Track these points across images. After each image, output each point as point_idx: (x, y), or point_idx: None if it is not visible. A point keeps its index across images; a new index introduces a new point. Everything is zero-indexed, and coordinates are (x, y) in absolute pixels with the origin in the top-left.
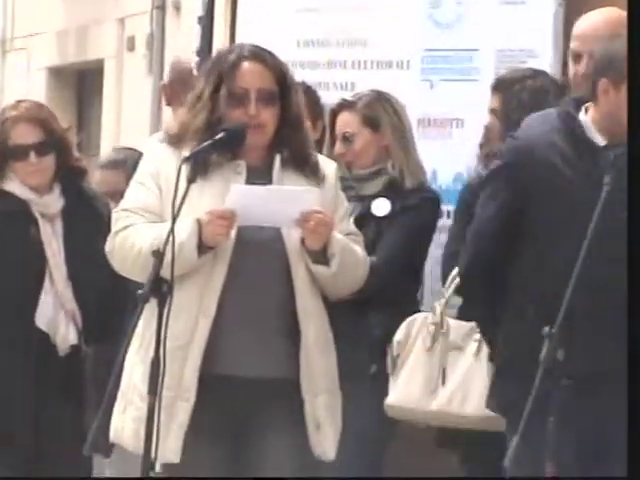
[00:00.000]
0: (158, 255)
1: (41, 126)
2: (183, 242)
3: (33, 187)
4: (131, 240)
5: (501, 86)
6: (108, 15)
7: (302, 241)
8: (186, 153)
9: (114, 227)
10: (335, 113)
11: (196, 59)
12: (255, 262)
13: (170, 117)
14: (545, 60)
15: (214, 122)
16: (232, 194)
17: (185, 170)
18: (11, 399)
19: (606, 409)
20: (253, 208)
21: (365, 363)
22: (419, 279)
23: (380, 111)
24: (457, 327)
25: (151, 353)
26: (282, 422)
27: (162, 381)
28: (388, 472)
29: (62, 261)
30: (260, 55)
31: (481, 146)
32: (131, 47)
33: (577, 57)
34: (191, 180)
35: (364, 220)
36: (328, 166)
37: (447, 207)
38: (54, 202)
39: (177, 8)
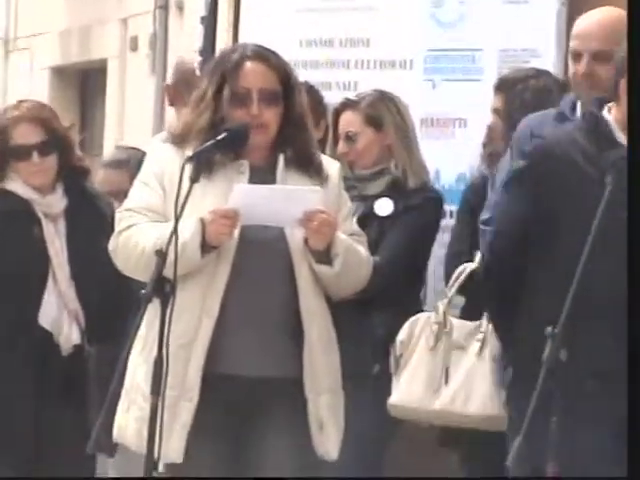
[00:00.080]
0: (161, 255)
1: (43, 126)
2: (186, 241)
3: (36, 187)
4: (135, 239)
5: (504, 86)
6: (111, 15)
7: (305, 241)
8: (189, 153)
9: (118, 227)
10: (338, 112)
11: (199, 59)
12: (258, 262)
13: (173, 117)
14: (548, 60)
15: (217, 122)
16: (235, 193)
17: (188, 170)
18: (13, 399)
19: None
20: (256, 207)
21: (368, 363)
22: (422, 279)
23: (383, 110)
24: (460, 326)
25: (154, 353)
26: (285, 421)
27: (165, 381)
28: (389, 471)
29: (65, 261)
30: (263, 55)
31: (484, 146)
32: (134, 47)
33: (577, 56)
34: (194, 180)
35: (367, 220)
36: (331, 166)
37: (450, 207)
38: (57, 202)
39: (180, 8)
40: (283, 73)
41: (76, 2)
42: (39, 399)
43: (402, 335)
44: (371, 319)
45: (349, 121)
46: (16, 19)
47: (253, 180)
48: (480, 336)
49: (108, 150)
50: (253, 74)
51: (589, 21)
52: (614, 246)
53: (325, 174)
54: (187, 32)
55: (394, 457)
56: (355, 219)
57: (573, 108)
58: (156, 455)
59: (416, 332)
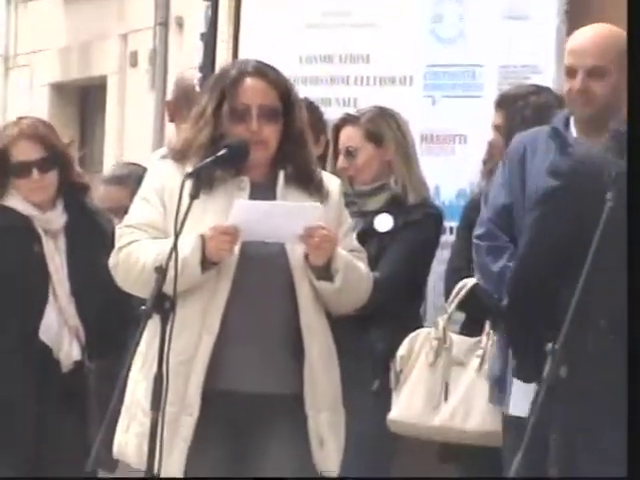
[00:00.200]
0: (161, 271)
1: (42, 142)
2: (187, 258)
3: (36, 203)
4: (135, 256)
5: (505, 102)
6: (111, 31)
7: (306, 257)
8: (190, 169)
9: (118, 243)
10: (338, 128)
11: (199, 75)
12: (259, 278)
13: (173, 133)
14: (548, 76)
15: (217, 138)
16: (236, 209)
17: (188, 186)
18: (13, 416)
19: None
20: (257, 223)
21: (368, 378)
22: (422, 295)
23: (383, 126)
24: (460, 342)
25: (154, 370)
26: (285, 438)
27: (165, 397)
28: None
29: (65, 277)
30: (263, 71)
31: (485, 162)
32: (134, 63)
33: (572, 72)
34: (194, 196)
35: (366, 236)
36: (332, 182)
37: (450, 223)
38: (57, 218)
39: (180, 24)
40: (283, 89)
41: (76, 19)
42: (40, 415)
43: (402, 350)
44: (371, 335)
45: (349, 136)
46: (16, 36)
47: (253, 196)
48: (480, 352)
49: (108, 166)
50: (253, 90)
51: (583, 37)
52: (615, 262)
53: (325, 191)
54: (187, 48)
55: (396, 472)
56: (355, 235)
57: (566, 124)
58: (156, 470)
59: (416, 348)
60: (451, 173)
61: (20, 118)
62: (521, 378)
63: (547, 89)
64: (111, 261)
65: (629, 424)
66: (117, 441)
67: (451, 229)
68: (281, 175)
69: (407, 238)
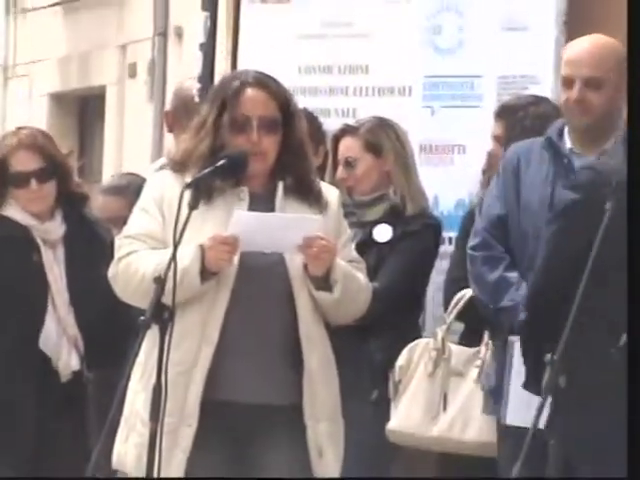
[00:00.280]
0: (160, 281)
1: (41, 153)
2: (186, 268)
3: (34, 213)
4: (134, 266)
5: (504, 113)
6: (110, 42)
7: (305, 267)
8: (189, 179)
9: (117, 253)
10: (338, 138)
11: (198, 86)
12: (258, 288)
13: (172, 143)
14: (547, 86)
15: (218, 149)
16: (235, 220)
17: (187, 196)
18: (13, 426)
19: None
20: (256, 234)
21: (367, 389)
22: (420, 305)
23: (382, 137)
24: (458, 353)
25: (153, 380)
26: (284, 448)
27: (164, 407)
28: None
29: (64, 287)
30: (263, 82)
31: (484, 172)
32: (133, 74)
33: (569, 82)
34: (193, 207)
35: (365, 246)
36: (331, 193)
37: (449, 233)
38: (56, 228)
39: (179, 35)
40: (283, 100)
41: (75, 29)
42: (39, 425)
43: (401, 361)
44: (370, 345)
45: (348, 147)
46: (15, 46)
47: (252, 207)
48: (478, 362)
49: (107, 176)
50: (253, 101)
51: (580, 48)
52: (614, 272)
53: (324, 201)
54: (186, 59)
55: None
56: (354, 245)
57: (560, 135)
58: None
59: (415, 358)
60: (450, 183)
61: (19, 128)
62: (533, 391)
63: (546, 99)
64: (110, 271)
65: (629, 424)
66: (116, 451)
67: (450, 239)
68: (280, 186)
69: (406, 248)
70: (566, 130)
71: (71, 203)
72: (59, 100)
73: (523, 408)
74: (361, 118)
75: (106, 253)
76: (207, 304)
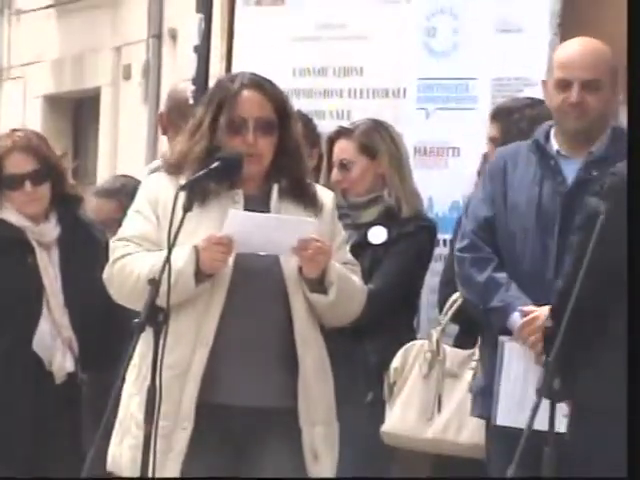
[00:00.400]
0: (154, 283)
1: (35, 155)
2: (180, 270)
3: (29, 215)
4: (129, 268)
5: (500, 115)
6: (104, 44)
7: (300, 269)
8: (184, 182)
9: (112, 256)
10: (332, 141)
11: (192, 88)
12: (253, 290)
13: (167, 145)
14: (541, 88)
15: (213, 151)
16: (230, 220)
17: (181, 198)
18: (8, 428)
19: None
20: (250, 235)
21: (362, 391)
22: (415, 307)
23: (377, 139)
24: (453, 355)
25: (148, 383)
26: (279, 451)
27: (159, 410)
28: None
29: (59, 289)
30: (259, 84)
31: (479, 174)
32: (127, 75)
33: (565, 85)
34: (187, 209)
35: (360, 248)
36: (325, 195)
37: (443, 236)
38: (50, 230)
39: (173, 37)
40: (279, 102)
41: (69, 31)
42: (34, 427)
43: (396, 362)
44: (364, 347)
45: (343, 149)
46: (9, 48)
47: (247, 209)
48: (473, 364)
49: (102, 178)
50: (249, 103)
51: (573, 50)
52: (609, 273)
53: (319, 204)
54: (180, 61)
55: None
56: (349, 247)
57: (547, 137)
58: None
59: (410, 360)
60: (444, 185)
61: (13, 130)
62: (551, 397)
63: (542, 102)
64: (105, 274)
65: (629, 424)
66: (111, 453)
67: (444, 241)
68: (275, 188)
69: (401, 250)
70: (552, 132)
71: (65, 205)
72: (53, 102)
73: (514, 409)
74: (356, 120)
75: (101, 255)
76: (202, 306)
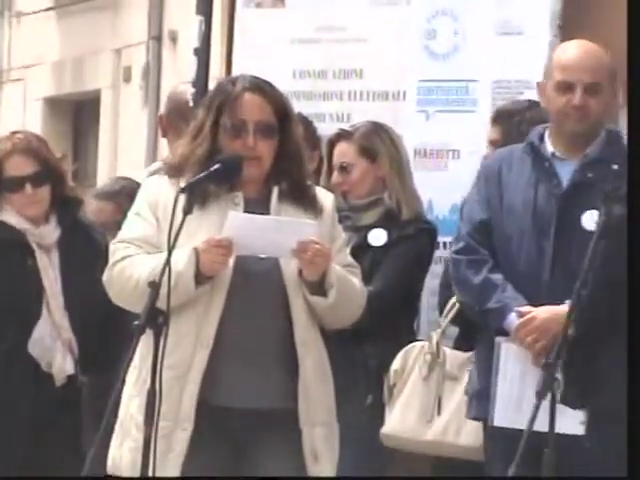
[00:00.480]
0: (154, 286)
1: (35, 157)
2: (180, 272)
3: (29, 218)
4: (129, 271)
5: (501, 117)
6: (104, 46)
7: (300, 272)
8: (184, 184)
9: (112, 258)
10: (333, 143)
11: (192, 90)
12: (253, 292)
13: (167, 148)
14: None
15: (215, 153)
16: (230, 222)
17: (182, 201)
18: (8, 429)
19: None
20: (250, 237)
21: (362, 393)
22: (415, 309)
23: (377, 142)
24: (453, 357)
25: (148, 385)
26: (279, 453)
27: (159, 412)
28: None
29: (59, 291)
30: (260, 87)
31: None
32: (127, 78)
33: (567, 87)
34: (187, 211)
35: (360, 250)
36: (326, 198)
37: (443, 238)
38: (50, 233)
39: (173, 39)
40: (279, 105)
41: (69, 33)
42: (34, 429)
43: (396, 365)
44: (364, 349)
45: (343, 152)
46: (9, 50)
47: (247, 212)
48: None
49: (102, 181)
50: (250, 106)
51: (574, 52)
52: (609, 275)
53: (319, 206)
54: (180, 63)
55: None
56: (349, 249)
57: (541, 139)
58: None
59: (410, 362)
60: (444, 188)
61: (13, 132)
62: (573, 405)
63: None
64: (105, 276)
65: (629, 424)
66: (111, 456)
67: (444, 244)
68: (275, 191)
69: (401, 253)
70: (547, 134)
71: (65, 207)
72: (53, 104)
73: (511, 410)
74: (356, 123)
75: (101, 257)
76: (202, 308)
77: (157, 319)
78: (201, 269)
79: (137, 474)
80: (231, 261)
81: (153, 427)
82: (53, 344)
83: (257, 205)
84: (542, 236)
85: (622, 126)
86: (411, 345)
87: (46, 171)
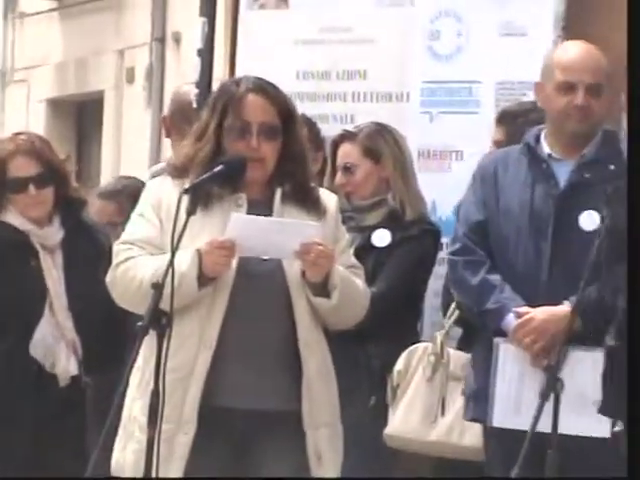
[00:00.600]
0: (158, 287)
1: (39, 158)
2: (183, 273)
3: (33, 219)
4: (132, 272)
5: (505, 119)
6: (108, 47)
7: (303, 273)
8: (187, 185)
9: (115, 259)
10: (336, 144)
11: (195, 91)
12: (256, 294)
13: (170, 149)
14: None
15: (218, 154)
16: (232, 223)
17: (185, 202)
18: (11, 430)
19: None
20: (253, 239)
21: (365, 394)
22: (418, 310)
23: (381, 143)
24: (457, 358)
25: (151, 386)
26: (283, 454)
27: (162, 413)
28: None
29: (62, 292)
30: (264, 88)
31: None
32: (130, 79)
33: (569, 88)
34: (190, 212)
35: (364, 251)
36: (329, 199)
37: (446, 239)
38: (54, 234)
39: (177, 40)
40: (283, 107)
41: (73, 34)
42: (37, 430)
43: (399, 365)
44: (367, 350)
45: (347, 153)
46: (13, 51)
47: (250, 214)
48: None
49: (105, 181)
50: (254, 107)
51: (576, 53)
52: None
53: (323, 208)
54: (184, 64)
55: None
56: (352, 250)
57: (537, 140)
58: None
59: (413, 362)
60: (448, 189)
61: (16, 134)
62: (610, 414)
63: None
64: (108, 277)
65: (629, 424)
66: (115, 459)
67: (447, 245)
68: (278, 193)
69: (404, 253)
70: (543, 135)
71: (69, 208)
72: (57, 105)
73: (510, 410)
74: (359, 124)
75: (104, 258)
76: (205, 310)
77: (160, 320)
78: (204, 270)
79: (140, 476)
80: (234, 262)
81: (156, 429)
82: (56, 345)
83: (260, 206)
84: (539, 237)
85: (625, 128)
86: (415, 346)
87: (49, 172)
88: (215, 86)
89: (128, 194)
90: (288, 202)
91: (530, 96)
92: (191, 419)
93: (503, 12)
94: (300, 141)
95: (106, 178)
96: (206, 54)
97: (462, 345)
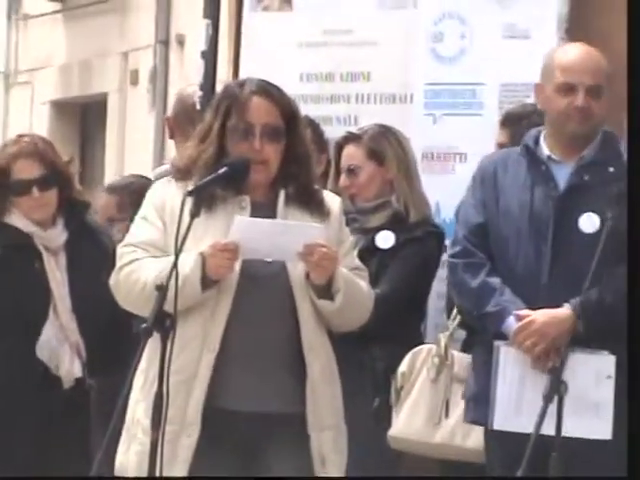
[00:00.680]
0: (161, 289)
1: (42, 160)
2: (187, 276)
3: (36, 221)
4: (136, 275)
5: (509, 121)
6: (112, 49)
7: (307, 275)
8: (191, 187)
9: (119, 262)
10: (340, 146)
11: (199, 93)
12: (260, 296)
13: (174, 151)
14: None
15: (222, 156)
16: (236, 226)
17: (189, 204)
18: (15, 432)
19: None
20: (257, 241)
21: (369, 396)
22: (422, 312)
23: (385, 145)
24: (461, 359)
25: (155, 389)
26: (287, 457)
27: (165, 415)
28: None
29: (66, 294)
30: (267, 90)
31: None
32: (134, 81)
33: (570, 89)
34: (194, 214)
35: (368, 253)
36: (333, 201)
37: (450, 241)
38: (57, 236)
39: (180, 42)
40: (287, 109)
41: (76, 36)
42: (41, 432)
43: (403, 367)
44: (371, 352)
45: (351, 155)
46: (16, 53)
47: (254, 216)
48: None
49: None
50: (257, 109)
51: (576, 54)
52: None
53: (326, 210)
54: (187, 66)
55: None
56: (356, 252)
57: (536, 142)
58: None
59: (417, 364)
60: (451, 191)
61: (20, 136)
62: None
63: None
64: (112, 279)
65: (629, 424)
66: (118, 461)
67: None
68: (282, 195)
69: (408, 255)
70: (542, 137)
71: (73, 210)
72: (60, 107)
73: (510, 413)
74: (363, 126)
75: (108, 260)
76: (208, 312)
77: (164, 323)
78: (207, 273)
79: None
80: (237, 265)
81: (160, 431)
82: (60, 347)
83: (264, 209)
84: (539, 239)
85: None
86: (419, 348)
87: (53, 174)
88: (219, 88)
89: (132, 191)
90: (292, 204)
91: (533, 98)
92: (194, 421)
93: (506, 14)
94: (304, 143)
95: (109, 180)
96: (210, 56)
97: (466, 347)
